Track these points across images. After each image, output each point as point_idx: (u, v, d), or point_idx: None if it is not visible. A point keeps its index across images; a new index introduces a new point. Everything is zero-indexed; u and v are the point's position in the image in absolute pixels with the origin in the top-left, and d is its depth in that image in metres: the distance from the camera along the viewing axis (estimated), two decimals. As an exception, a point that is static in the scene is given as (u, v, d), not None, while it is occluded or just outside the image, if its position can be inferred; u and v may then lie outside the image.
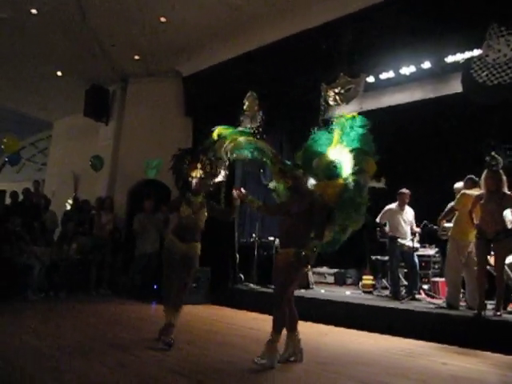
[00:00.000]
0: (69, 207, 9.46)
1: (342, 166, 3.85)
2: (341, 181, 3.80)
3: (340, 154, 3.91)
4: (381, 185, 3.97)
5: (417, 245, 6.80)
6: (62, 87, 10.36)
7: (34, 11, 7.36)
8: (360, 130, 3.93)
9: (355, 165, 3.80)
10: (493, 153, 5.16)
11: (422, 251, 7.23)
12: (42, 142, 14.46)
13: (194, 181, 4.53)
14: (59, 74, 9.70)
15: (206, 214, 4.54)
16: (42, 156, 14.21)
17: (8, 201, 8.79)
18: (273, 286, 3.90)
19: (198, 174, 4.54)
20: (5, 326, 4.98)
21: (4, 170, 15.10)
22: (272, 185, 4.39)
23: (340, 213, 3.71)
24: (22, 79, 10.12)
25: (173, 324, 4.37)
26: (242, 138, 4.25)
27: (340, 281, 8.92)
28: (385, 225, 7.01)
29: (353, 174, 3.78)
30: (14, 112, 12.26)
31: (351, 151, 3.87)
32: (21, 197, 8.93)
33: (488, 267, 5.30)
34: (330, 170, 3.89)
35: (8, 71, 9.72)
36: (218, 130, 4.30)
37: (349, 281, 9.04)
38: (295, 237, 3.67)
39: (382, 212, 6.84)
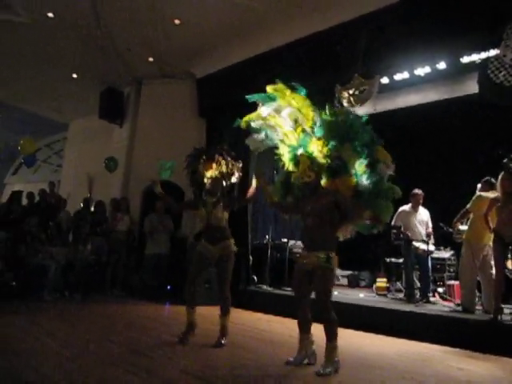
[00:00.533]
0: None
1: (347, 162, 3.77)
2: (349, 177, 3.75)
3: (341, 149, 3.81)
4: (390, 171, 3.90)
5: (432, 248, 6.73)
6: (77, 89, 10.49)
7: (50, 15, 7.47)
8: (353, 122, 3.86)
9: (366, 157, 3.73)
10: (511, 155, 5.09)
11: (436, 254, 7.15)
12: (57, 143, 14.65)
13: (209, 181, 4.53)
14: (74, 76, 9.82)
15: (223, 210, 4.48)
16: (58, 157, 14.40)
17: (24, 201, 8.89)
18: (314, 294, 3.70)
19: (213, 173, 4.54)
20: (20, 325, 5.04)
21: (20, 170, 15.31)
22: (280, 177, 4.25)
23: (369, 204, 3.66)
24: (39, 82, 10.27)
25: (193, 323, 4.47)
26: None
27: (353, 283, 8.87)
28: (400, 227, 6.94)
29: (367, 167, 3.72)
30: (30, 114, 12.45)
31: (353, 145, 3.78)
32: (37, 198, 9.04)
33: (505, 271, 5.22)
34: (336, 167, 3.80)
35: (25, 74, 9.87)
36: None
37: (362, 283, 8.99)
38: (323, 239, 3.63)
39: (396, 214, 6.72)
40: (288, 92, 3.98)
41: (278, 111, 4.00)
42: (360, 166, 3.74)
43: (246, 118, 4.18)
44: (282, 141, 4.08)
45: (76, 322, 5.49)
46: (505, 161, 5.08)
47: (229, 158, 4.63)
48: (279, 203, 4.18)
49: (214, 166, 4.56)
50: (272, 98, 4.06)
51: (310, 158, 3.77)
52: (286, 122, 4.00)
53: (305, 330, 3.77)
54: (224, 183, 4.61)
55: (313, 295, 3.71)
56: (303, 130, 3.95)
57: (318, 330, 3.69)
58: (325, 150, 3.76)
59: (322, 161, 3.77)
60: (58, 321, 5.50)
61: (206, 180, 4.59)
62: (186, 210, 5.02)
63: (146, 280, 8.06)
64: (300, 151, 3.91)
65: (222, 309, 4.43)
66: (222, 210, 4.47)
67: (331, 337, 3.53)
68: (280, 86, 4.01)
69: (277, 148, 4.17)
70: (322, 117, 3.90)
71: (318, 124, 3.89)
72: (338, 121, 3.87)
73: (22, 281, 6.99)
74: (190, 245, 7.70)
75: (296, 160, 3.92)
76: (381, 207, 3.67)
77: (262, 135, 4.18)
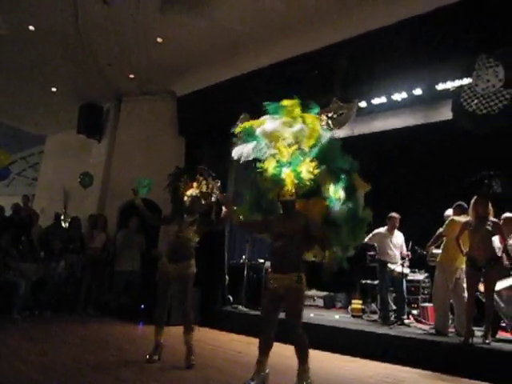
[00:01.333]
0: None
1: (321, 185, 3.76)
2: (321, 200, 3.75)
3: (316, 173, 3.76)
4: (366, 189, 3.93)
5: (407, 270, 6.80)
6: (57, 103, 10.37)
7: (31, 28, 7.42)
8: (332, 145, 3.87)
9: (344, 183, 3.71)
10: (489, 180, 5.23)
11: (411, 276, 7.23)
12: (33, 157, 14.40)
13: (189, 199, 4.55)
14: (54, 89, 9.72)
15: (196, 231, 4.51)
16: (33, 171, 14.15)
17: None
18: (285, 315, 3.70)
19: (193, 193, 4.59)
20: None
21: (-7, 184, 14.97)
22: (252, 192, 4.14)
23: (341, 231, 3.64)
24: (17, 94, 10.13)
25: (160, 344, 4.51)
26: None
27: (329, 304, 8.85)
28: (373, 246, 7.01)
29: (344, 193, 3.71)
30: (6, 126, 12.23)
31: (330, 168, 3.76)
32: (8, 212, 8.82)
33: (477, 293, 5.31)
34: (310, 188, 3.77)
35: (3, 86, 9.73)
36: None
37: (338, 304, 8.99)
38: (294, 260, 3.63)
39: (371, 234, 6.72)
40: (299, 109, 3.94)
41: (285, 124, 3.90)
42: (336, 192, 3.72)
43: (246, 124, 4.10)
44: (272, 155, 3.96)
45: (46, 342, 5.32)
46: (485, 185, 5.22)
47: (209, 178, 4.71)
48: (245, 222, 4.15)
49: (195, 185, 4.64)
50: (283, 111, 3.96)
51: (298, 177, 3.73)
52: (286, 137, 3.90)
53: (265, 352, 3.74)
54: (202, 202, 4.64)
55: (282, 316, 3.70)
56: (299, 149, 3.88)
57: (289, 351, 3.65)
58: (315, 172, 3.72)
59: (307, 183, 3.73)
60: (28, 341, 5.32)
61: (186, 198, 4.62)
62: (161, 223, 5.02)
63: (117, 298, 7.91)
64: (287, 169, 3.80)
65: (185, 326, 4.45)
66: (193, 232, 4.51)
67: (303, 359, 3.52)
68: (295, 101, 3.96)
69: (259, 161, 4.01)
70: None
71: (317, 145, 3.87)
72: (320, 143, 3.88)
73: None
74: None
75: (279, 177, 3.80)
76: (351, 237, 3.69)
77: (253, 144, 4.04)
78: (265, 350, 3.72)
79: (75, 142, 10.89)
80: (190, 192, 4.61)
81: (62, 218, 9.96)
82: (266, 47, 7.31)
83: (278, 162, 3.89)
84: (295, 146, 3.88)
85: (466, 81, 5.58)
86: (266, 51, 7.34)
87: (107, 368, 4.08)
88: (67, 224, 9.49)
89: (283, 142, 3.90)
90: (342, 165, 3.78)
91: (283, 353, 4.04)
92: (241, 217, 4.11)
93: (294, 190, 3.70)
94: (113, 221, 9.24)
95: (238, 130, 4.14)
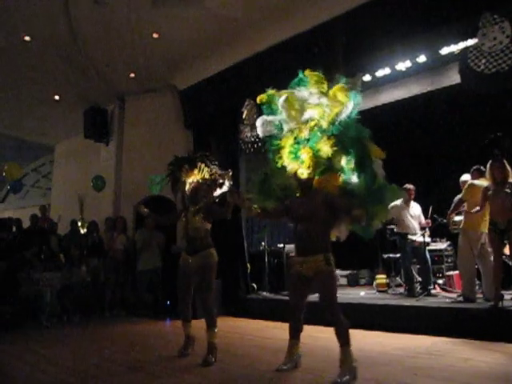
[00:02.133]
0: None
1: (332, 158, 3.61)
2: (335, 174, 3.64)
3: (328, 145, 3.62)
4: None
5: (428, 239, 6.73)
6: (61, 111, 10.40)
7: (27, 38, 7.41)
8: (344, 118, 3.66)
9: (355, 154, 3.58)
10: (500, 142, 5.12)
11: (433, 246, 7.16)
12: (44, 166, 14.51)
13: (189, 188, 4.39)
14: (57, 98, 9.74)
15: (203, 219, 4.29)
16: (46, 180, 14.25)
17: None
18: (318, 299, 3.53)
19: (194, 179, 4.41)
20: (19, 354, 4.94)
21: (8, 198, 15.14)
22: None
23: (364, 205, 3.46)
24: (21, 106, 10.18)
25: (190, 337, 4.44)
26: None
27: (353, 282, 8.84)
28: (392, 221, 6.93)
29: (356, 164, 3.58)
30: (14, 139, 12.32)
31: (339, 140, 3.60)
32: (26, 223, 8.93)
33: (503, 257, 5.23)
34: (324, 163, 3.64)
35: (5, 98, 9.77)
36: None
37: (362, 281, 8.96)
38: (319, 241, 3.49)
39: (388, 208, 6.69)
40: (324, 80, 3.75)
41: (310, 96, 3.68)
42: (348, 164, 3.62)
43: (271, 92, 3.87)
44: (290, 130, 3.79)
45: (76, 346, 5.40)
46: (495, 151, 5.10)
47: (212, 165, 4.49)
48: (263, 212, 3.88)
49: (196, 172, 4.44)
50: (309, 81, 3.75)
51: (316, 154, 3.60)
52: (307, 110, 3.69)
53: (295, 336, 3.70)
54: (211, 192, 4.45)
55: (311, 299, 3.65)
56: (319, 126, 3.69)
57: (329, 333, 3.59)
58: (333, 148, 3.57)
59: (324, 161, 3.60)
60: (58, 346, 5.41)
61: (187, 187, 4.46)
62: (174, 221, 4.92)
63: (141, 297, 7.98)
64: (306, 146, 3.66)
65: (207, 322, 4.22)
66: (201, 220, 4.28)
67: (344, 341, 3.37)
68: (318, 74, 3.77)
69: (276, 138, 3.88)
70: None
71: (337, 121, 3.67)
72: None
73: (18, 310, 6.88)
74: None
75: (296, 155, 3.67)
76: (374, 208, 3.51)
77: (277, 118, 3.86)
78: (295, 333, 3.70)
79: (84, 147, 10.93)
80: (190, 180, 4.42)
81: (80, 224, 10.06)
82: (263, 31, 7.20)
83: (295, 138, 3.73)
84: (314, 122, 3.68)
85: (471, 42, 5.43)
86: (263, 35, 7.24)
87: (140, 366, 4.11)
88: (85, 229, 9.58)
89: (303, 117, 3.71)
90: (352, 134, 3.60)
91: (314, 334, 4.03)
92: (256, 207, 3.84)
93: (311, 169, 3.57)
94: (129, 221, 9.30)
95: (260, 98, 3.91)
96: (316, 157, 3.59)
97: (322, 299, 3.49)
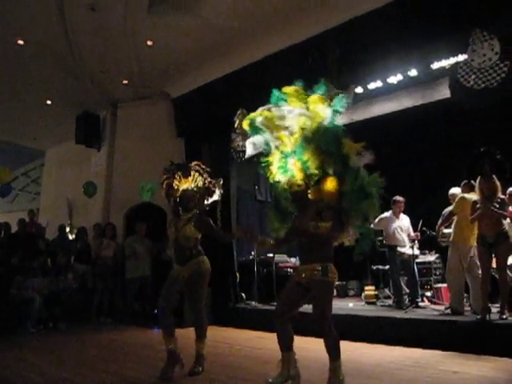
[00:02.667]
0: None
1: (310, 161, 3.54)
2: (330, 177, 3.49)
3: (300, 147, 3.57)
4: (369, 159, 3.58)
5: (417, 252, 6.77)
6: (53, 115, 10.35)
7: (20, 42, 7.39)
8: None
9: (331, 153, 3.48)
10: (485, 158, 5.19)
11: (422, 258, 7.21)
12: (34, 171, 14.41)
13: (181, 195, 4.33)
14: (49, 102, 9.70)
15: (193, 228, 4.18)
16: (36, 185, 14.15)
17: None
18: (312, 310, 3.39)
19: (188, 187, 4.37)
20: (7, 362, 4.87)
21: (-3, 201, 14.99)
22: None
23: (352, 204, 3.39)
24: (12, 109, 10.11)
25: (173, 353, 4.10)
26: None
27: (342, 293, 8.84)
28: (382, 232, 6.96)
29: (335, 163, 3.49)
30: (4, 142, 12.23)
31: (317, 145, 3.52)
32: (14, 228, 8.85)
33: (491, 270, 5.27)
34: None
35: (-3, 102, 9.72)
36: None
37: (351, 292, 8.97)
38: (319, 250, 3.41)
39: (377, 220, 6.57)
40: (303, 94, 3.68)
41: (289, 112, 3.63)
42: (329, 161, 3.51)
43: (248, 117, 3.82)
44: (276, 147, 3.75)
45: (62, 353, 5.34)
46: (486, 167, 5.16)
47: (205, 174, 4.48)
48: (279, 242, 3.80)
49: (190, 179, 4.42)
50: (286, 98, 3.71)
51: (304, 166, 3.55)
52: (289, 125, 3.64)
53: (286, 347, 3.53)
54: (203, 200, 4.44)
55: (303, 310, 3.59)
56: (302, 137, 3.62)
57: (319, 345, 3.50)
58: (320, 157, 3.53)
59: (314, 171, 3.55)
60: (45, 354, 5.34)
61: (179, 194, 4.39)
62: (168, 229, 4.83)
63: (130, 305, 7.92)
64: (293, 159, 3.61)
65: (197, 332, 4.17)
66: (192, 229, 4.19)
67: (334, 355, 3.28)
68: (298, 87, 3.71)
69: (266, 155, 3.84)
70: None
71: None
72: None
73: (4, 316, 6.78)
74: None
75: (285, 168, 3.64)
76: (364, 204, 3.41)
77: (262, 138, 3.83)
78: (284, 344, 3.53)
79: (75, 152, 10.87)
80: (183, 187, 4.37)
81: (68, 229, 9.99)
82: (257, 40, 7.26)
83: (282, 153, 3.70)
84: (298, 134, 3.63)
85: (462, 57, 5.52)
86: (257, 44, 7.29)
87: (128, 376, 4.08)
88: (73, 235, 9.51)
89: (286, 131, 3.67)
90: (328, 134, 3.50)
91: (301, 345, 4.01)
92: (269, 240, 3.78)
93: (301, 180, 3.52)
94: (119, 227, 9.25)
95: (243, 123, 3.88)
96: (304, 168, 3.56)
97: (315, 309, 3.36)
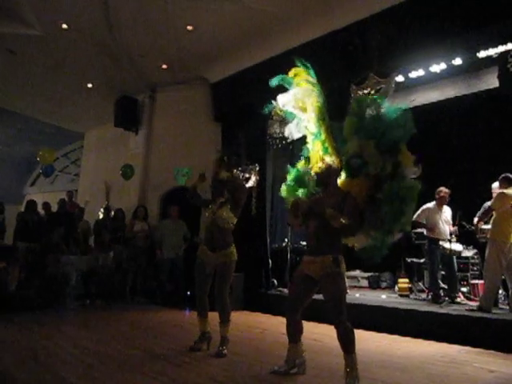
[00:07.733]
0: (101, 216, 9.62)
1: (369, 162, 3.43)
2: (363, 179, 3.44)
3: (365, 146, 3.47)
4: (417, 173, 3.49)
5: (460, 247, 6.57)
6: (93, 99, 10.57)
7: (64, 26, 7.54)
8: (384, 115, 3.49)
9: (386, 159, 3.36)
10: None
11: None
12: (74, 152, 14.79)
13: (221, 180, 4.40)
14: (90, 86, 9.90)
15: (229, 212, 4.28)
16: (75, 167, 14.53)
17: (41, 212, 9.00)
18: (324, 300, 3.32)
19: (225, 176, 4.43)
20: (46, 333, 5.10)
21: (38, 181, 15.50)
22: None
23: (379, 214, 3.29)
24: (55, 93, 10.37)
25: (206, 334, 4.40)
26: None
27: (374, 284, 8.74)
28: (420, 224, 6.78)
29: (384, 169, 3.35)
30: (47, 124, 12.61)
31: (380, 143, 3.41)
32: (54, 207, 9.15)
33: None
34: (354, 165, 3.49)
35: (40, 85, 9.98)
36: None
37: (383, 284, 8.85)
38: (329, 241, 3.29)
39: (420, 211, 6.46)
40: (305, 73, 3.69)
41: (305, 92, 3.63)
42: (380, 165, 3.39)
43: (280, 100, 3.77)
44: (306, 128, 3.67)
45: (98, 329, 5.53)
46: None
47: (245, 170, 4.65)
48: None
49: (231, 171, 4.52)
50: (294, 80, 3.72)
51: (323, 147, 3.47)
52: (308, 105, 3.60)
53: (294, 339, 3.54)
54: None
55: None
56: (317, 117, 3.57)
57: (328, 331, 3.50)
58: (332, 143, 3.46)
59: (334, 153, 3.45)
60: (81, 328, 5.57)
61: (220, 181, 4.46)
62: (203, 205, 4.82)
63: (162, 286, 8.09)
64: (317, 140, 3.54)
65: (221, 317, 4.29)
66: (228, 211, 4.28)
67: (348, 348, 3.19)
68: (302, 68, 3.75)
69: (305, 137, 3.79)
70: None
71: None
72: (363, 113, 3.57)
73: (44, 291, 7.06)
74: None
75: (311, 149, 3.59)
76: (396, 217, 3.29)
77: (293, 121, 3.80)
78: (292, 336, 3.54)
79: (113, 135, 11.09)
80: (222, 175, 4.43)
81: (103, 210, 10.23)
82: (296, 26, 7.15)
83: (312, 134, 3.61)
84: (314, 114, 3.56)
85: (511, 46, 5.29)
86: (296, 30, 7.19)
87: (159, 354, 4.18)
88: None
89: (309, 112, 3.60)
90: (394, 136, 3.39)
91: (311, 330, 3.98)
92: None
93: (323, 162, 3.41)
94: (155, 210, 9.42)
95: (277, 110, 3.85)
96: (323, 150, 3.45)
97: (329, 301, 3.27)
